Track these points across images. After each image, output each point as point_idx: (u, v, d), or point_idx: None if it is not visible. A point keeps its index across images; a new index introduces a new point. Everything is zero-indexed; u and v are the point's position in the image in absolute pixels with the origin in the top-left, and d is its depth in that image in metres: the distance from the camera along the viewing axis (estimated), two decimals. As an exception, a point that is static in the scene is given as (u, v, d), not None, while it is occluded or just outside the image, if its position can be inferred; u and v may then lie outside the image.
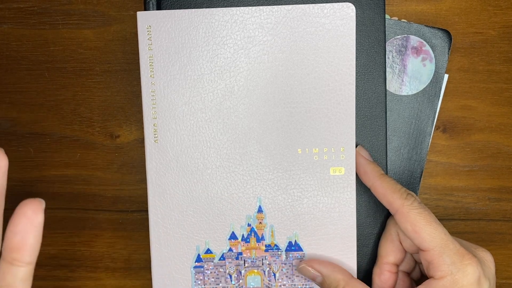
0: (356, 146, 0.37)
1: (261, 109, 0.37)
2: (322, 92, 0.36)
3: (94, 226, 0.44)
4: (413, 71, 0.40)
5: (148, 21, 0.36)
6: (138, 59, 0.37)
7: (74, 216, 0.44)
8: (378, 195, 0.35)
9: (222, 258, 0.38)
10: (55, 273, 0.45)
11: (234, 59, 0.36)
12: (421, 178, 0.41)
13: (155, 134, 0.37)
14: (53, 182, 0.44)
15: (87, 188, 0.44)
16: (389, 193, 0.34)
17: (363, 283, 0.35)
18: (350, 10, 0.36)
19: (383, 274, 0.36)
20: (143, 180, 0.43)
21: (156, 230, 0.37)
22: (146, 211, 0.41)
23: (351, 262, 0.37)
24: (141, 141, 0.43)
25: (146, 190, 0.38)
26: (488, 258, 0.34)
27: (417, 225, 0.33)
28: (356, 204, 0.37)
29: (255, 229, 0.37)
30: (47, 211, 0.44)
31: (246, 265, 0.38)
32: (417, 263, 0.38)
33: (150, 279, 0.40)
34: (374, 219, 0.38)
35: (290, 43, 0.36)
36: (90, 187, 0.44)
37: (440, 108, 0.41)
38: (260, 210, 0.37)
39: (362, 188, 0.37)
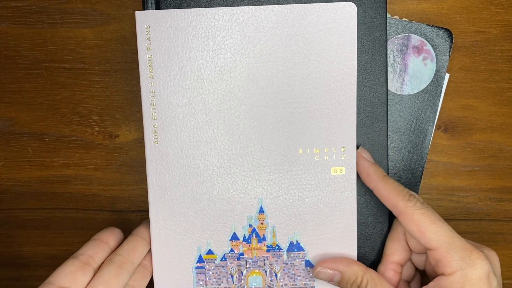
0: (357, 148, 0.37)
1: (261, 109, 0.36)
2: (323, 92, 0.36)
3: (93, 227, 0.44)
4: (414, 70, 0.40)
5: (147, 21, 0.36)
6: (137, 59, 0.36)
7: (73, 216, 0.44)
8: (381, 197, 0.35)
9: (223, 259, 0.38)
10: (54, 274, 0.45)
11: (235, 59, 0.36)
12: (422, 178, 0.41)
13: (155, 135, 0.37)
14: (52, 182, 0.43)
15: (86, 188, 0.43)
16: (392, 195, 0.34)
17: (376, 272, 0.35)
18: (351, 9, 0.36)
19: (387, 272, 0.36)
20: (143, 180, 0.43)
21: (157, 231, 0.37)
22: (146, 211, 0.41)
23: None
24: (140, 141, 0.43)
25: (146, 190, 0.37)
26: (494, 256, 0.34)
27: (422, 225, 0.33)
28: (357, 204, 0.37)
29: (257, 230, 0.37)
30: (46, 211, 0.44)
31: (247, 265, 0.38)
32: (417, 271, 0.38)
33: (151, 280, 0.39)
34: (375, 219, 0.38)
35: (291, 43, 0.36)
36: (89, 187, 0.43)
37: (441, 107, 0.41)
38: (261, 211, 0.37)
39: (363, 188, 0.37)
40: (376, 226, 0.38)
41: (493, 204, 0.42)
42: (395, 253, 0.36)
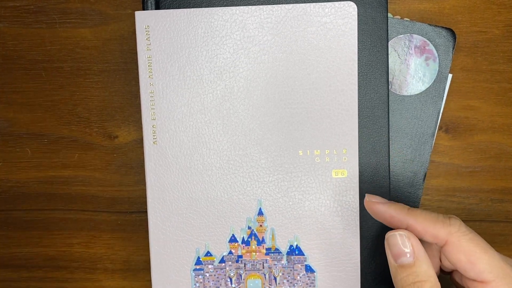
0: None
1: (261, 110, 0.36)
2: (323, 93, 0.36)
3: (93, 228, 0.44)
4: (416, 70, 0.40)
5: (147, 21, 0.35)
6: (137, 59, 0.36)
7: (72, 217, 0.44)
8: (418, 233, 0.31)
9: (222, 261, 0.37)
10: (53, 275, 0.44)
11: (234, 59, 0.36)
12: (425, 180, 0.41)
13: (154, 136, 0.36)
14: (51, 183, 0.43)
15: (85, 189, 0.43)
16: (430, 226, 0.30)
17: None
18: (351, 9, 0.35)
19: None
20: (142, 181, 0.43)
21: (155, 232, 0.37)
22: (145, 212, 0.41)
23: (354, 267, 0.37)
24: (139, 142, 0.42)
25: (145, 191, 0.37)
26: None
27: (473, 255, 0.29)
28: (359, 207, 0.37)
29: (256, 232, 0.37)
30: (45, 212, 0.44)
31: (246, 268, 0.38)
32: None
33: (149, 281, 0.39)
34: (376, 221, 0.37)
35: (291, 42, 0.36)
36: (88, 188, 0.43)
37: (443, 108, 0.41)
38: (260, 213, 0.37)
39: (363, 190, 0.37)
40: (378, 228, 0.37)
41: (495, 205, 0.42)
42: None
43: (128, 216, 0.43)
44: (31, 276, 0.45)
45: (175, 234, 0.37)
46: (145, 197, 0.37)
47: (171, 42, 0.36)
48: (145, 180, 0.37)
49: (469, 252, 0.29)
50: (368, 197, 0.34)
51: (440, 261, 0.35)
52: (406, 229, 0.31)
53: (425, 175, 0.40)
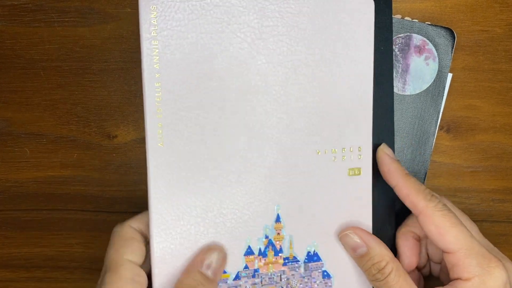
0: (372, 146, 0.36)
1: (281, 108, 0.34)
2: (340, 89, 0.34)
3: (92, 228, 0.43)
4: (416, 70, 0.40)
5: (153, 1, 0.31)
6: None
7: (72, 217, 0.43)
8: (401, 195, 0.34)
9: (237, 278, 0.34)
10: (52, 275, 0.44)
11: (251, 50, 0.33)
12: (425, 179, 0.40)
13: (160, 136, 0.32)
14: (49, 183, 0.43)
15: (85, 189, 0.43)
16: (413, 194, 0.33)
17: (401, 265, 0.34)
18: (369, 5, 0.34)
19: (409, 240, 0.36)
20: (142, 181, 0.42)
21: (160, 248, 0.33)
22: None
23: None
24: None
25: (145, 192, 0.33)
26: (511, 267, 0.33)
27: (442, 227, 0.32)
28: (373, 207, 0.36)
29: (273, 241, 0.35)
30: (44, 212, 0.43)
31: (263, 283, 0.35)
32: (428, 260, 0.37)
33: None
34: (390, 222, 0.37)
35: (309, 36, 0.34)
36: (88, 188, 0.43)
37: (444, 107, 0.40)
38: (278, 219, 0.35)
39: (381, 189, 0.36)
40: (392, 229, 0.37)
41: (496, 205, 0.42)
42: (417, 227, 0.36)
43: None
44: (30, 276, 0.44)
45: (183, 253, 0.33)
46: (145, 198, 0.36)
47: (181, 27, 0.31)
48: (145, 180, 0.33)
49: (439, 224, 0.33)
50: (383, 146, 0.36)
51: (428, 256, 0.37)
52: (395, 187, 0.34)
53: (425, 175, 0.40)
